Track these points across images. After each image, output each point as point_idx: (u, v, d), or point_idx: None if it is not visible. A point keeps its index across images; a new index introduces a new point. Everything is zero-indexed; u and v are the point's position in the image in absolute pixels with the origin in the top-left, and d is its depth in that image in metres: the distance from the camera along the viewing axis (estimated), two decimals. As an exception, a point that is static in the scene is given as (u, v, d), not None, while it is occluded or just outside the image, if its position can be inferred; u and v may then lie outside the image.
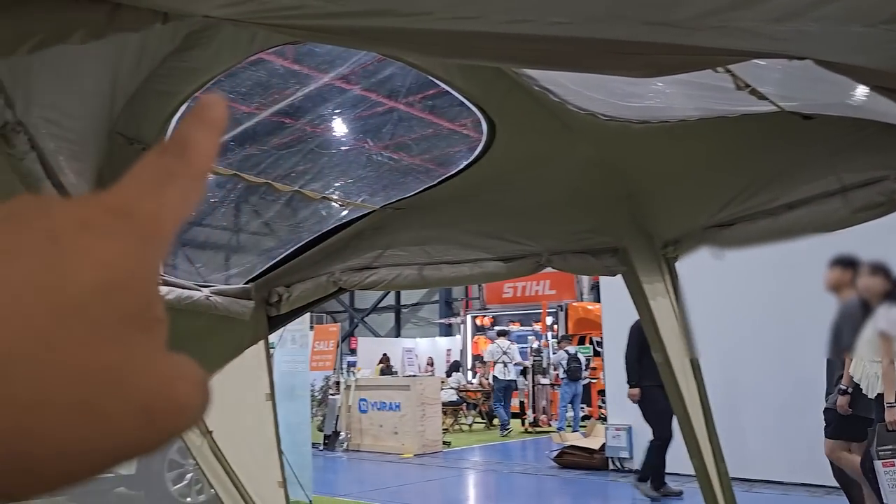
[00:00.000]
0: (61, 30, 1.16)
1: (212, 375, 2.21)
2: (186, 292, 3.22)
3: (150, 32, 1.57)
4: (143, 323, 0.28)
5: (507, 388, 14.92)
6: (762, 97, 2.17)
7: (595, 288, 18.85)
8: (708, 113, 2.59)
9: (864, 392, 5.95)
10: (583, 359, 14.58)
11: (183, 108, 2.53)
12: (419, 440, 12.10)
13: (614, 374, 8.74)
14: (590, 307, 18.35)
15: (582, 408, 15.18)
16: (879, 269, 5.90)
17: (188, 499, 6.18)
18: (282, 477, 4.35)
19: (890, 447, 5.60)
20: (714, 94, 2.32)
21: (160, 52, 2.23)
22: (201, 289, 3.33)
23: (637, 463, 8.41)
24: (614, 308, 8.65)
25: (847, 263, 6.06)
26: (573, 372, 14.11)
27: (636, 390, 7.63)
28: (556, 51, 1.18)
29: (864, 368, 5.89)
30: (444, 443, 12.63)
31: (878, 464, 5.60)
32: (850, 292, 6.07)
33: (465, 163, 3.41)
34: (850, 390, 5.97)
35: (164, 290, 3.11)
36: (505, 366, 14.96)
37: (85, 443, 0.26)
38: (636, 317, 3.53)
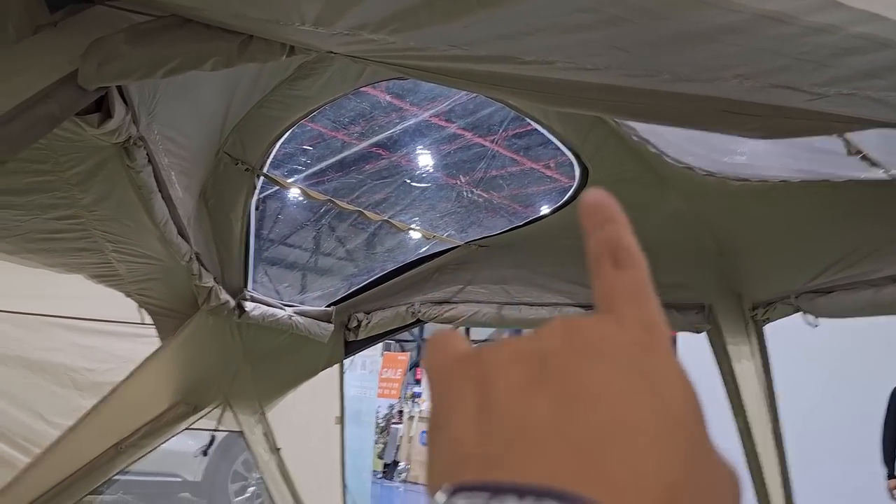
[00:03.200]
0: (196, 58, 1.23)
1: (287, 393, 2.22)
2: (271, 310, 3.30)
3: (270, 62, 1.64)
4: (705, 425, 0.30)
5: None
6: (874, 164, 2.09)
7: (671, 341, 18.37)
8: (812, 175, 2.50)
9: None
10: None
11: (288, 133, 2.63)
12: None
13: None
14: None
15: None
16: None
17: (248, 512, 6.28)
18: (342, 502, 4.37)
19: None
20: (821, 156, 2.25)
21: (273, 80, 2.33)
22: (285, 308, 3.42)
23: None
24: (691, 365, 8.38)
25: None
26: None
27: None
28: (674, 107, 1.17)
29: None
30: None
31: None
32: None
33: (553, 206, 3.41)
34: None
35: (249, 306, 3.21)
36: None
37: None
38: (714, 376, 3.40)
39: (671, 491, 0.26)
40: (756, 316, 3.22)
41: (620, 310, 0.32)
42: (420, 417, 12.10)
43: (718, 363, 3.31)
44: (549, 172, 3.84)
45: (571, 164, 3.00)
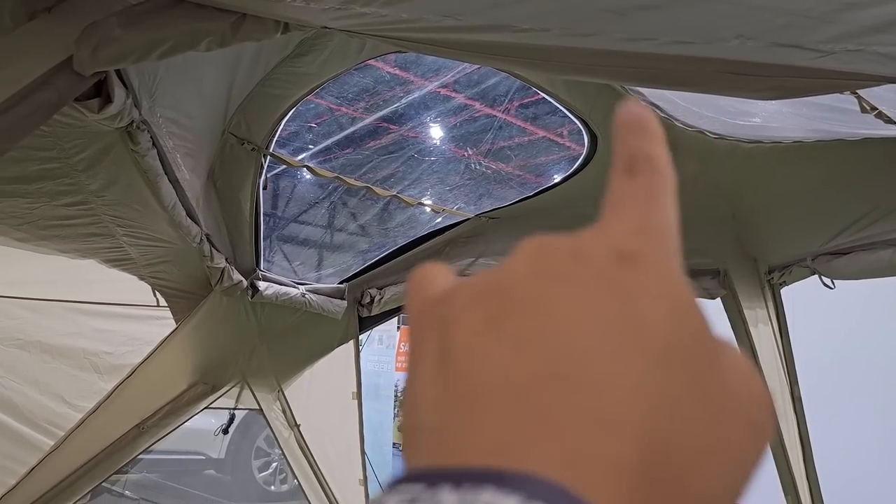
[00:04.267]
0: (190, 38, 1.21)
1: (303, 370, 2.24)
2: (284, 289, 3.31)
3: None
4: (711, 333, 0.26)
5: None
6: (889, 121, 2.04)
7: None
8: (826, 135, 2.46)
9: None
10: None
11: (292, 111, 2.61)
12: (498, 448, 11.88)
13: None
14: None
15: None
16: None
17: (272, 487, 6.37)
18: (363, 475, 4.41)
19: None
20: (835, 115, 2.20)
21: (274, 58, 2.31)
22: (298, 286, 3.43)
23: None
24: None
25: None
26: None
27: None
28: (676, 71, 1.14)
29: None
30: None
31: None
32: None
33: (564, 175, 3.37)
34: None
35: (262, 285, 3.22)
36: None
37: (723, 475, 0.24)
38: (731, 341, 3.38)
39: (652, 449, 0.22)
40: (772, 280, 3.19)
41: (606, 217, 0.28)
42: (440, 389, 12.17)
43: (734, 328, 3.29)
44: (559, 140, 3.80)
45: (581, 132, 2.97)
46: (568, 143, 3.84)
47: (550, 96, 2.62)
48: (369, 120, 3.12)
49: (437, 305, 0.28)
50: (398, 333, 8.12)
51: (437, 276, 0.31)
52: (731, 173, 2.86)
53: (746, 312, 3.27)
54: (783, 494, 3.20)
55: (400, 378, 12.62)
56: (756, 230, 3.11)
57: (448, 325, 0.26)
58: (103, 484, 3.75)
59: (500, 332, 0.24)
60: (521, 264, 0.27)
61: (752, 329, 3.24)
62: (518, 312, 0.25)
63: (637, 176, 0.29)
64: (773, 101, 2.21)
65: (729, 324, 3.30)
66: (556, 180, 3.56)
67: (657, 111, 2.54)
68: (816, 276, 2.89)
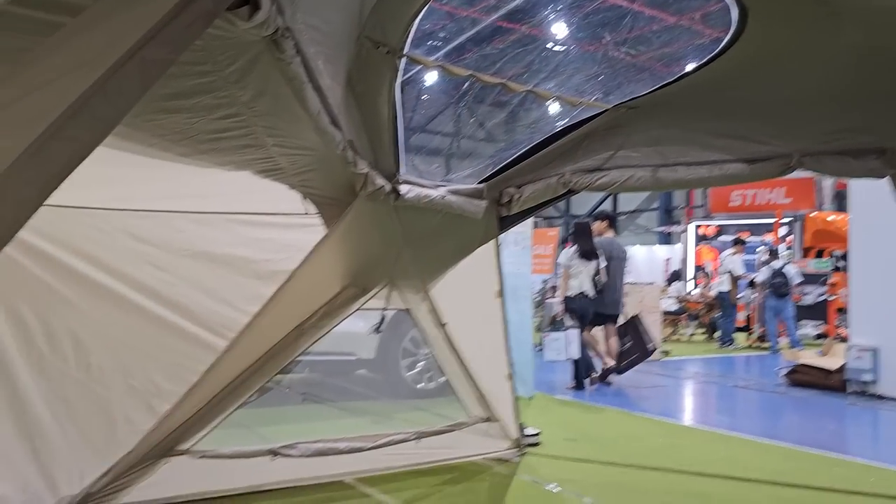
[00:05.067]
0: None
1: (446, 270, 2.29)
2: (425, 191, 3.37)
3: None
4: None
5: (721, 300, 14.41)
6: None
7: (839, 196, 17.02)
8: None
9: None
10: (793, 273, 13.47)
11: (424, 10, 2.58)
12: (637, 347, 11.89)
13: (862, 290, 7.95)
14: (830, 218, 16.68)
15: (819, 325, 14.24)
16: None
17: (420, 385, 6.70)
18: (509, 371, 4.54)
19: None
20: None
21: (406, -47, 2.27)
22: (438, 188, 3.48)
23: (884, 388, 7.58)
24: (864, 218, 7.76)
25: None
26: (777, 287, 13.30)
27: None
28: None
29: None
30: (663, 352, 12.44)
31: None
32: None
33: (703, 59, 3.16)
34: None
35: (404, 188, 3.29)
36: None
37: None
38: (889, 228, 3.12)
39: None
40: (950, 155, 2.90)
41: None
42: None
43: (904, 210, 3.04)
44: (695, 26, 3.57)
45: (716, 16, 2.75)
46: (701, 28, 3.60)
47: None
48: (501, 14, 3.05)
49: None
50: (532, 235, 8.13)
51: None
52: (903, 37, 2.57)
53: (917, 193, 3.01)
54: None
55: (536, 280, 12.71)
56: (931, 100, 2.81)
57: None
58: (268, 383, 4.07)
59: None
60: None
61: (924, 210, 2.99)
62: None
63: None
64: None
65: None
66: (689, 66, 3.34)
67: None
68: None
